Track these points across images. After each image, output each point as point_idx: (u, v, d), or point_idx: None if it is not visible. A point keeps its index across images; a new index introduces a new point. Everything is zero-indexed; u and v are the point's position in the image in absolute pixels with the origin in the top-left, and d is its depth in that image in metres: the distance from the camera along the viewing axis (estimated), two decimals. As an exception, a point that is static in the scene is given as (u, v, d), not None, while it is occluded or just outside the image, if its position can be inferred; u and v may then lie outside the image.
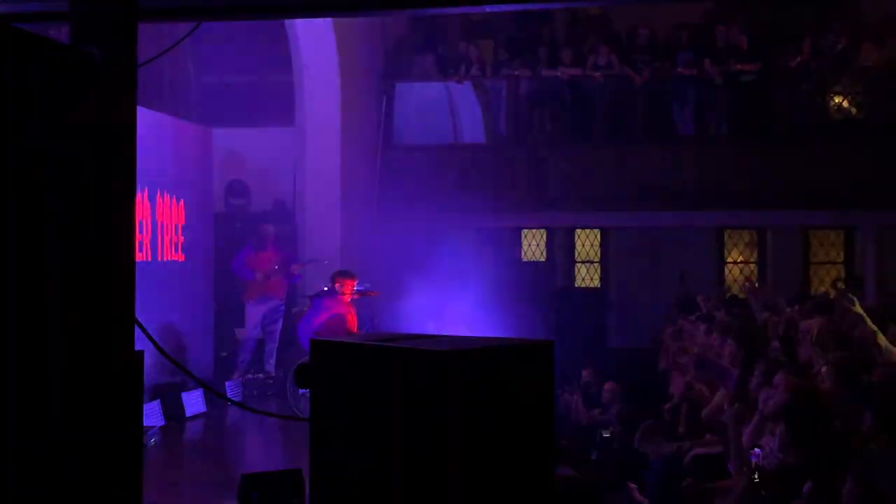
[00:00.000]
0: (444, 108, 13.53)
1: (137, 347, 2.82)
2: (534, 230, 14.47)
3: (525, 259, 14.47)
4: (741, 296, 12.15)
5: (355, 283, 8.64)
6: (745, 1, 12.66)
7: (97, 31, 2.67)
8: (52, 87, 2.53)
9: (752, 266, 14.32)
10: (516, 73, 13.20)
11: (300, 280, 11.23)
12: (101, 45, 2.63)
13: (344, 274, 8.89)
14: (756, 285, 11.05)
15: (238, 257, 10.76)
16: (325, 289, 9.16)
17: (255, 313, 10.77)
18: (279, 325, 10.86)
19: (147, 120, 7.65)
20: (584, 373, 9.52)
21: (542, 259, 14.54)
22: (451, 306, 9.81)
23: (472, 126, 13.63)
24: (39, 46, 2.47)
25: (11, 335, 2.36)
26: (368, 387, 2.79)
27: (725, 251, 14.43)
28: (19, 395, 2.40)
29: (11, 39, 2.36)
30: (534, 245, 14.64)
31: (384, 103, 13.24)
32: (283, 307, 10.91)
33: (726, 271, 14.36)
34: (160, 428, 8.59)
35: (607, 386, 8.74)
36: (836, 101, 12.96)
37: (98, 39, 2.64)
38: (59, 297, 2.55)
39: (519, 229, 14.35)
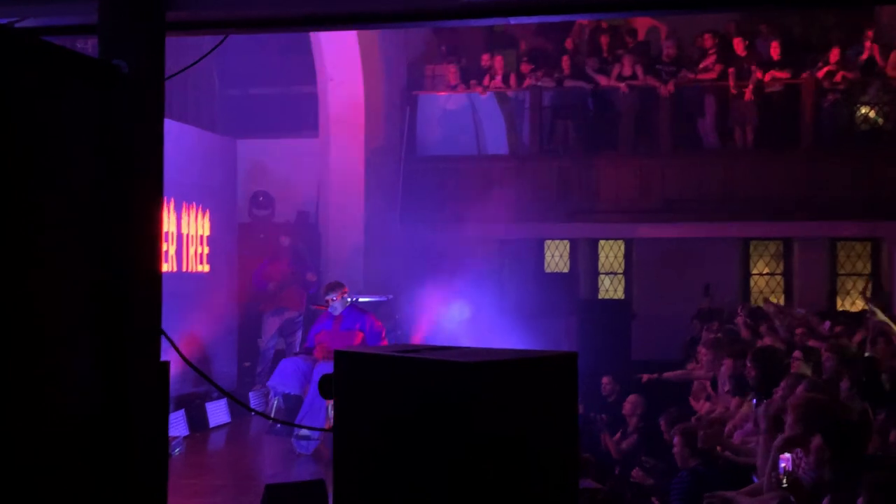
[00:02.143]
0: (468, 119, 13.55)
1: (163, 358, 2.84)
2: (557, 241, 14.43)
3: (548, 270, 14.42)
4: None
5: (343, 294, 8.46)
6: (772, 11, 12.56)
7: (125, 44, 2.70)
8: (79, 99, 2.55)
9: (779, 278, 14.20)
10: (540, 83, 13.20)
11: (317, 290, 11.22)
12: (128, 59, 2.66)
13: (331, 287, 8.69)
14: (778, 302, 10.94)
15: (257, 269, 10.84)
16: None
17: (271, 324, 10.83)
18: (298, 337, 10.87)
19: (172, 131, 7.68)
20: (605, 380, 9.39)
21: (566, 270, 14.48)
22: (474, 317, 9.80)
23: (495, 137, 13.63)
24: (67, 59, 2.50)
25: (33, 345, 2.39)
26: (391, 398, 2.79)
27: (751, 262, 14.31)
28: (42, 403, 2.42)
29: (40, 52, 2.39)
30: (557, 256, 14.60)
31: (407, 114, 13.27)
32: (300, 319, 10.91)
33: (752, 283, 14.24)
34: (184, 438, 8.63)
35: (630, 399, 8.68)
36: (863, 111, 12.86)
37: (126, 53, 2.67)
38: (85, 307, 2.57)
39: (542, 240, 14.31)
